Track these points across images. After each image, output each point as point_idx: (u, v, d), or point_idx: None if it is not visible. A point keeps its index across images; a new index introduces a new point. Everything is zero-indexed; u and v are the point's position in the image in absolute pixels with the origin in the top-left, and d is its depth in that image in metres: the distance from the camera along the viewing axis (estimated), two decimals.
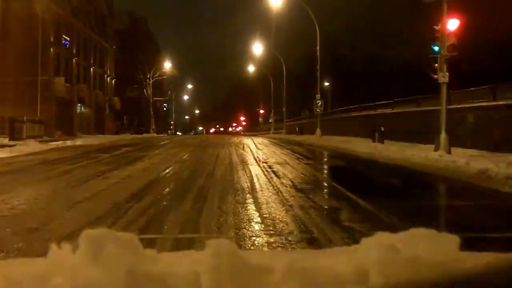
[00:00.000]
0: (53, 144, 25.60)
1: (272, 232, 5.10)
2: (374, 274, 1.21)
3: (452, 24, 14.54)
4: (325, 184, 9.48)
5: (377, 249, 1.28)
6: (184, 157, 16.68)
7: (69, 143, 27.33)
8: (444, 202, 8.01)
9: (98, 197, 7.52)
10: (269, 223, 5.51)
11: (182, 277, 1.17)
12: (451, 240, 1.35)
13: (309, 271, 1.19)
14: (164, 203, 7.00)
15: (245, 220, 5.73)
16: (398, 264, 1.21)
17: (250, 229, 5.26)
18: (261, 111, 74.20)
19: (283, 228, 5.30)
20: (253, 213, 6.16)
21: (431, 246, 1.31)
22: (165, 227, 5.36)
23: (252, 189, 8.32)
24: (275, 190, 8.28)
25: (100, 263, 1.12)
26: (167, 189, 8.46)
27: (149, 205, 6.70)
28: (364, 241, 1.42)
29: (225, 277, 1.12)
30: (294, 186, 8.77)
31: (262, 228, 5.30)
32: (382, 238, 1.38)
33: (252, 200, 7.22)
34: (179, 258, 1.49)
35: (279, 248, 4.64)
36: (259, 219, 5.76)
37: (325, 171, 12.68)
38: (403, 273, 1.18)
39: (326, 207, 6.64)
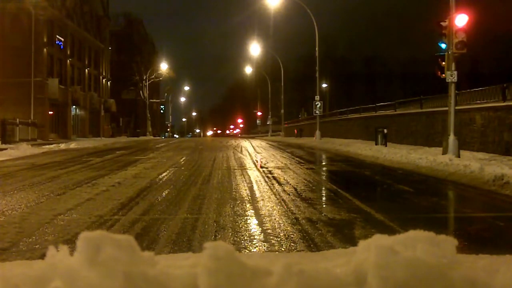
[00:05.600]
0: (46, 147, 24.94)
1: (277, 253, 4.38)
2: (372, 277, 1.29)
3: (461, 19, 13.83)
4: (331, 192, 8.75)
5: (375, 251, 1.33)
6: (179, 161, 15.94)
7: (62, 146, 26.67)
8: (466, 214, 7.28)
9: (82, 208, 6.78)
10: (274, 242, 4.77)
11: (180, 279, 1.24)
12: (449, 242, 1.42)
13: (307, 274, 1.26)
14: (155, 216, 6.26)
15: (245, 237, 5.00)
16: (396, 266, 1.27)
17: (252, 250, 4.53)
18: (259, 113, 73.60)
19: (290, 247, 4.58)
20: (255, 229, 5.43)
21: (429, 248, 1.36)
22: (153, 246, 4.62)
23: (253, 199, 7.59)
24: (277, 199, 7.56)
25: (98, 265, 1.17)
26: (159, 199, 7.72)
27: (137, 219, 5.97)
28: (362, 243, 1.50)
29: (223, 279, 1.18)
30: (298, 195, 8.04)
31: (266, 248, 4.57)
32: (380, 240, 1.44)
33: (253, 211, 6.49)
34: (177, 261, 1.55)
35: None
36: (262, 237, 5.02)
37: (330, 177, 11.95)
38: (401, 276, 1.25)
39: (336, 220, 5.90)
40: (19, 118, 33.81)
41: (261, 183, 9.62)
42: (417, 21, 57.58)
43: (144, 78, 67.49)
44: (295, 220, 5.83)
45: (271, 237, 4.95)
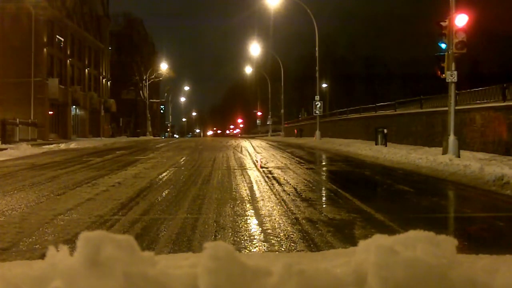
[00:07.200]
0: (46, 147, 24.95)
1: (277, 253, 4.38)
2: (372, 277, 1.28)
3: (461, 19, 13.83)
4: (332, 192, 8.75)
5: (375, 251, 1.32)
6: (179, 161, 15.95)
7: (62, 146, 26.68)
8: (466, 214, 7.27)
9: (82, 208, 6.78)
10: (274, 242, 4.77)
11: (180, 279, 1.23)
12: (449, 242, 1.41)
13: (307, 274, 1.25)
14: (155, 215, 6.26)
15: (245, 237, 5.00)
16: (396, 266, 1.26)
17: (252, 250, 4.53)
18: (259, 113, 73.60)
19: (290, 247, 4.58)
20: (255, 229, 5.43)
21: (429, 248, 1.34)
22: (153, 246, 4.62)
23: (253, 199, 7.59)
24: (277, 199, 7.56)
25: (98, 265, 1.17)
26: (159, 199, 7.72)
27: (138, 219, 5.97)
28: (362, 243, 1.50)
29: (222, 279, 1.18)
30: (298, 195, 8.04)
31: (266, 248, 4.57)
32: (380, 240, 1.43)
33: (253, 211, 6.49)
34: (177, 261, 1.55)
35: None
36: (262, 237, 5.02)
37: (330, 177, 11.95)
38: (401, 276, 1.24)
39: (336, 220, 5.91)
40: (19, 118, 33.82)
41: (261, 183, 9.62)
42: (417, 21, 57.55)
43: (144, 78, 67.50)
44: (295, 220, 5.83)
45: (271, 237, 4.95)
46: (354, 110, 34.53)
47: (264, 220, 5.87)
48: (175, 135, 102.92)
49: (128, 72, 68.81)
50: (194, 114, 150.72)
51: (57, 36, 43.59)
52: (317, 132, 32.86)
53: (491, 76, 35.31)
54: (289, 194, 8.04)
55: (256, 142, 35.23)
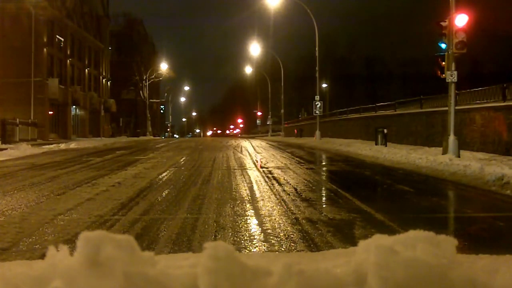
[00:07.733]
0: (46, 147, 24.95)
1: (277, 253, 4.38)
2: (372, 277, 1.27)
3: (461, 19, 13.83)
4: (332, 192, 8.74)
5: (375, 251, 1.31)
6: (179, 161, 15.95)
7: (62, 146, 26.69)
8: (466, 214, 7.27)
9: (82, 208, 6.77)
10: (274, 242, 4.77)
11: (180, 279, 1.23)
12: (449, 242, 1.41)
13: (307, 274, 1.24)
14: (155, 215, 6.26)
15: (245, 237, 5.00)
16: (396, 266, 1.26)
17: (252, 250, 4.53)
18: (259, 113, 73.61)
19: (290, 247, 4.58)
20: (255, 229, 5.43)
21: (429, 248, 1.35)
22: (153, 246, 4.62)
23: (253, 199, 7.59)
24: (277, 199, 7.56)
25: (98, 265, 1.17)
26: (159, 199, 7.72)
27: (138, 219, 5.97)
28: (362, 243, 1.48)
29: (222, 279, 1.17)
30: (298, 195, 8.04)
31: (266, 248, 4.57)
32: (380, 240, 1.43)
33: (253, 211, 6.49)
34: (177, 261, 1.53)
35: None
36: (262, 237, 5.02)
37: (330, 177, 11.95)
38: (401, 276, 1.24)
39: (336, 220, 5.90)
40: (19, 118, 33.82)
41: (261, 183, 9.62)
42: (417, 21, 57.59)
43: (144, 78, 67.49)
44: (295, 220, 5.83)
45: (271, 237, 4.95)
46: (354, 110, 34.53)
47: (264, 220, 5.87)
48: (175, 135, 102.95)
49: (128, 72, 68.79)
50: (194, 114, 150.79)
51: (57, 36, 43.59)
52: (317, 132, 32.86)
53: (491, 76, 35.32)
54: (289, 194, 8.05)
55: (256, 142, 35.24)
